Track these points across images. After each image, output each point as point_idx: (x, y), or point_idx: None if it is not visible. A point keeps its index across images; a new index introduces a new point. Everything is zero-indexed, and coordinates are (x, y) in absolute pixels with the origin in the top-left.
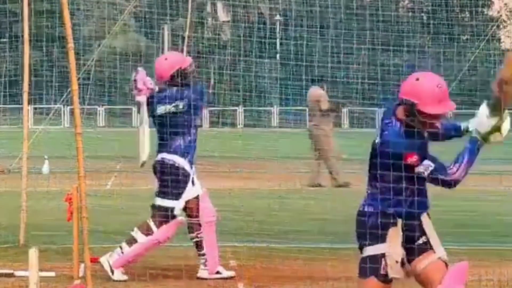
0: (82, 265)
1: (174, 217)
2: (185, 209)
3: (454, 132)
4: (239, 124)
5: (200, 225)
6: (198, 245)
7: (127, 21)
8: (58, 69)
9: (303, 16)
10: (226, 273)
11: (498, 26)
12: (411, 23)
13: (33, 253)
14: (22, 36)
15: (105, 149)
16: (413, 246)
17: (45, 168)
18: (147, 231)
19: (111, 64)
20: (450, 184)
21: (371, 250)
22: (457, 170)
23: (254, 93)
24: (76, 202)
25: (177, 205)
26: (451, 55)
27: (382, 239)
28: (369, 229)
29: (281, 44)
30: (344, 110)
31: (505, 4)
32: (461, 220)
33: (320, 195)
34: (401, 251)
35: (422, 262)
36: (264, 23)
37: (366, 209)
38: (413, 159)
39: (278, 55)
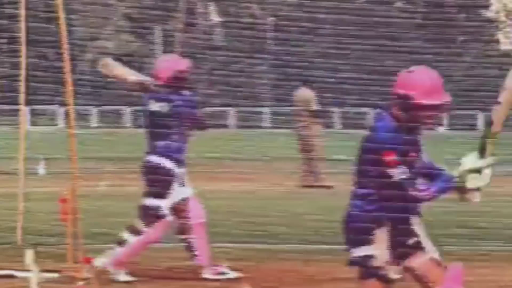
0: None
1: (160, 216)
2: (174, 210)
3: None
4: (231, 126)
5: (190, 227)
6: (189, 247)
7: (119, 23)
8: (53, 71)
9: (294, 18)
10: (231, 274)
11: (496, 27)
12: (408, 24)
13: (30, 255)
14: (19, 37)
15: (99, 150)
16: (405, 248)
17: (41, 169)
18: (136, 232)
19: None
20: (413, 199)
21: (362, 251)
22: (423, 191)
23: (245, 94)
24: (70, 203)
25: (163, 203)
26: (449, 56)
27: (368, 241)
28: (357, 231)
29: (275, 45)
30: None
31: (504, 5)
32: (463, 221)
33: (316, 196)
34: (387, 252)
35: (415, 262)
36: (256, 25)
37: (354, 210)
38: (390, 157)
39: (269, 57)
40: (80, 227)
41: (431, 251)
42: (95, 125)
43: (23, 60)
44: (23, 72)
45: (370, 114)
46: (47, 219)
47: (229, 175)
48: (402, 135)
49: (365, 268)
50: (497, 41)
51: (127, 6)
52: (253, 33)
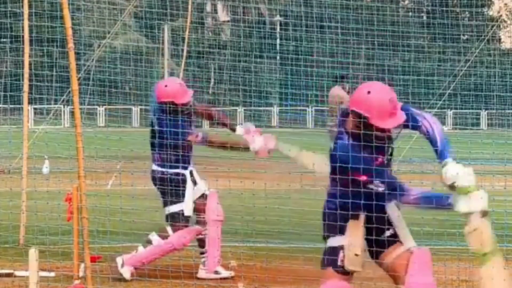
0: (82, 265)
1: (187, 219)
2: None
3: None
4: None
5: (205, 223)
6: (201, 243)
7: (127, 21)
8: (58, 69)
9: (302, 16)
10: (224, 273)
11: (498, 26)
12: (411, 23)
13: (33, 253)
14: (22, 36)
15: (105, 149)
16: (380, 239)
17: (45, 168)
18: (164, 235)
19: (111, 64)
20: (400, 199)
21: (331, 242)
22: (412, 196)
23: (253, 93)
24: (76, 202)
25: (185, 206)
26: (451, 55)
27: (341, 231)
28: (330, 222)
29: (281, 44)
30: None
31: (505, 4)
32: (460, 220)
33: (319, 195)
34: (362, 244)
35: (390, 255)
36: (264, 23)
37: (327, 204)
38: (361, 178)
39: (278, 55)
40: (86, 226)
41: (407, 242)
42: (102, 124)
43: (26, 59)
44: (26, 71)
45: None
46: (51, 218)
47: (237, 174)
48: (359, 152)
49: (326, 257)
50: (499, 40)
51: (134, 5)
52: (261, 31)
